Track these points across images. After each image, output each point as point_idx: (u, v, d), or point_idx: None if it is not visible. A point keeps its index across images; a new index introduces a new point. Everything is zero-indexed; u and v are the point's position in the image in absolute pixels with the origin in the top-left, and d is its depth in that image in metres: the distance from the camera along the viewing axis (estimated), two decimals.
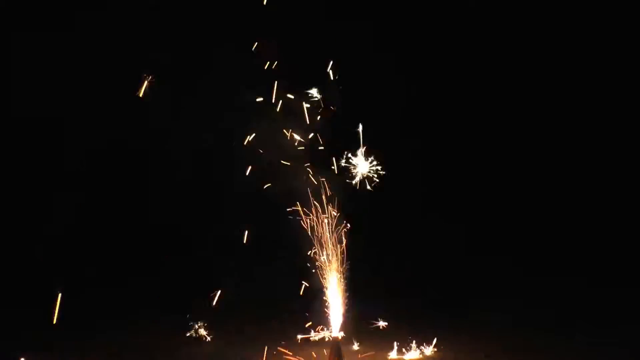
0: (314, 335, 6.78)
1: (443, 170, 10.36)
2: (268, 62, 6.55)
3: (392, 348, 6.74)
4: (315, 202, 6.23)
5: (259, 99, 6.46)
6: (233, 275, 8.27)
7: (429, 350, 6.75)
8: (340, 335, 6.27)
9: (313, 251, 6.30)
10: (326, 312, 6.36)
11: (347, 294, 6.35)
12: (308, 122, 6.40)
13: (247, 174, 6.70)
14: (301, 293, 6.94)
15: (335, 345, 6.17)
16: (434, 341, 6.85)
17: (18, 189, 9.80)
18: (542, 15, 9.99)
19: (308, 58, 7.01)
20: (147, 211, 10.05)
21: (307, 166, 6.39)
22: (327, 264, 6.25)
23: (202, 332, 7.35)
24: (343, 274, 6.30)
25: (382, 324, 7.38)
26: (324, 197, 6.23)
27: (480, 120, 10.33)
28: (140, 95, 6.04)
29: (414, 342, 6.78)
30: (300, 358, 6.52)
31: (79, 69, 9.14)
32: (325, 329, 6.57)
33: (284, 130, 6.45)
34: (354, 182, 6.24)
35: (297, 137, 6.43)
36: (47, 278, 8.56)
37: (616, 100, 10.34)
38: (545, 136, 10.53)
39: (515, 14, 9.96)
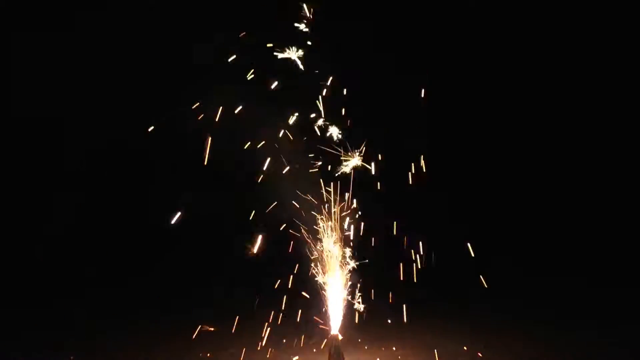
0: None
1: (443, 171, 10.34)
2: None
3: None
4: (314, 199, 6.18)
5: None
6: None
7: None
8: (338, 333, 6.20)
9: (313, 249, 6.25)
10: (325, 308, 6.28)
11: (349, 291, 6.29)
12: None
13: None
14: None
15: (335, 344, 6.10)
16: None
17: (18, 189, 9.80)
18: (543, 14, 9.99)
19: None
20: (147, 211, 10.04)
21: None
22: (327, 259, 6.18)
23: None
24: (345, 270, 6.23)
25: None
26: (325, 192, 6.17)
27: (481, 120, 10.32)
28: None
29: None
30: None
31: (79, 69, 9.14)
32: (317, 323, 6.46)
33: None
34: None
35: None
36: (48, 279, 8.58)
37: (616, 100, 10.34)
38: (546, 136, 10.54)
39: (515, 14, 9.95)
